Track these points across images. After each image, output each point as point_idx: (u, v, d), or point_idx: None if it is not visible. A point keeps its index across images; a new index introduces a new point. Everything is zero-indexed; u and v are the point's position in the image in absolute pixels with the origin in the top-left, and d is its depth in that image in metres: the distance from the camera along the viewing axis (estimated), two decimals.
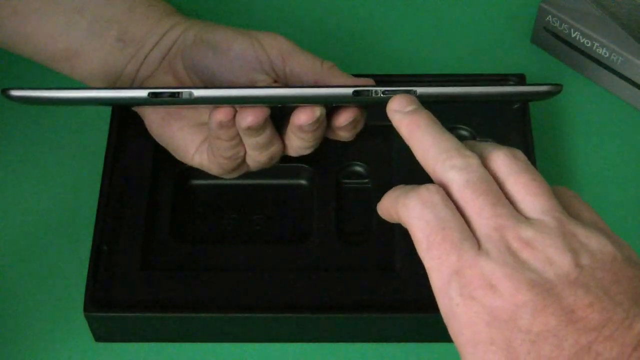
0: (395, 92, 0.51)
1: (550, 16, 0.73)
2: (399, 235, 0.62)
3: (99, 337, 0.61)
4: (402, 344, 0.61)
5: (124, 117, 0.66)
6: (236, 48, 0.57)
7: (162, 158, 0.65)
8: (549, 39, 0.74)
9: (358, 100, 0.53)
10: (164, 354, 0.61)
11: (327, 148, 0.66)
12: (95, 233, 0.62)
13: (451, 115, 0.66)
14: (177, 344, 0.61)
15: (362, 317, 0.59)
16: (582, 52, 0.73)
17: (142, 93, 0.52)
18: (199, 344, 0.61)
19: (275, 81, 0.57)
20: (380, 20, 0.77)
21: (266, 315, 0.59)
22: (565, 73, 0.74)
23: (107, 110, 0.69)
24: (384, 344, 0.61)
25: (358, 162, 0.66)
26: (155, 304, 0.59)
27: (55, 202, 0.67)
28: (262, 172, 0.66)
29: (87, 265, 0.61)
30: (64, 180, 0.68)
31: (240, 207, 0.66)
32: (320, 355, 0.61)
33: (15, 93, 0.53)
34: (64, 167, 0.69)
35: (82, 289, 0.60)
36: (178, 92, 0.52)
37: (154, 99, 0.52)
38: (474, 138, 0.66)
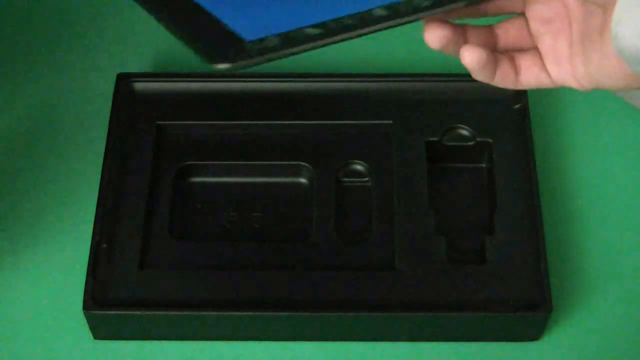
0: None
1: None
2: (399, 235, 0.62)
3: (97, 334, 0.61)
4: (401, 343, 0.61)
5: (124, 115, 0.66)
6: None
7: (161, 156, 0.65)
8: None
9: None
10: (162, 352, 0.61)
11: (327, 146, 0.66)
12: (94, 231, 0.62)
13: (451, 115, 0.66)
14: (175, 342, 0.61)
15: (361, 316, 0.59)
16: None
17: None
18: (197, 342, 0.61)
19: None
20: None
21: (265, 313, 0.59)
22: None
23: (107, 108, 0.69)
24: (383, 342, 0.61)
25: (358, 161, 0.66)
26: (154, 302, 0.59)
27: (54, 200, 0.67)
28: (261, 171, 0.66)
29: (86, 263, 0.61)
30: (64, 179, 0.68)
31: (239, 205, 0.65)
32: (320, 353, 0.61)
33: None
34: (64, 165, 0.68)
35: (82, 287, 0.60)
36: None
37: None
38: (474, 138, 0.66)
